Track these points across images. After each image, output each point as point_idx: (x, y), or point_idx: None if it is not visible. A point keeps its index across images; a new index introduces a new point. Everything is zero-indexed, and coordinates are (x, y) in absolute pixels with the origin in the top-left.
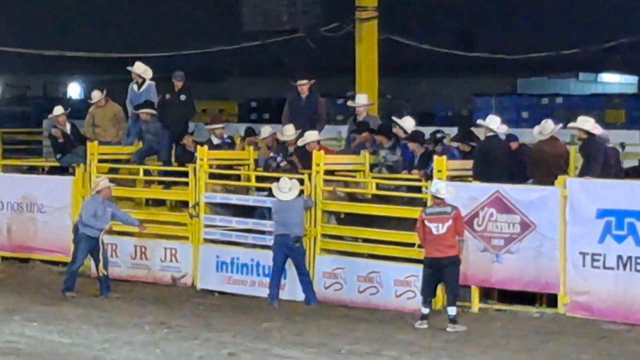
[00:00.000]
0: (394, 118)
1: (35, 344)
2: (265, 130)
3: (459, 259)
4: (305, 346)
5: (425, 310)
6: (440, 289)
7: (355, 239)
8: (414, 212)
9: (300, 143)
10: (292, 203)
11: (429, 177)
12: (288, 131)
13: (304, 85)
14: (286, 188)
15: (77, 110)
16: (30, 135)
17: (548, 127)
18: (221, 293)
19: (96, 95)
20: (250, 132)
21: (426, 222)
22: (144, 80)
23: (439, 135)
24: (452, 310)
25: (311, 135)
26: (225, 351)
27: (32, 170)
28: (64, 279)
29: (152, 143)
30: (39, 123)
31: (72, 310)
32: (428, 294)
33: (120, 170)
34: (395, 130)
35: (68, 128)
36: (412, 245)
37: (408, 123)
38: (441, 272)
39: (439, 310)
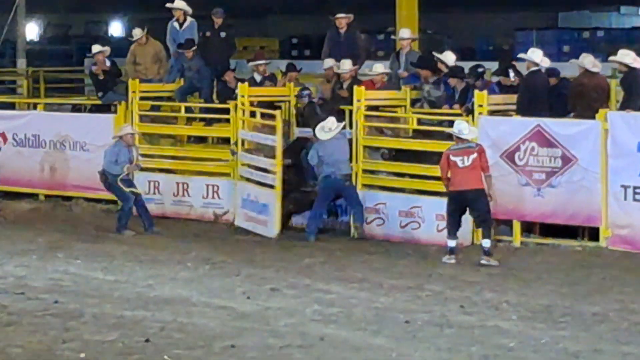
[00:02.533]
0: (434, 53)
1: (79, 281)
2: (328, 62)
3: (486, 192)
4: (347, 281)
5: (452, 244)
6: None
7: (398, 174)
8: None
9: (336, 70)
10: (337, 141)
11: (470, 112)
12: (327, 63)
13: (342, 19)
14: (327, 127)
15: (119, 48)
16: (73, 73)
17: (588, 61)
18: None
19: (137, 32)
20: (291, 68)
21: (451, 157)
22: (185, 18)
23: (479, 69)
24: (486, 243)
25: (346, 64)
26: (267, 287)
27: (74, 108)
28: (117, 217)
29: (193, 80)
30: (81, 62)
31: (116, 247)
32: (453, 226)
33: (161, 107)
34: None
35: (108, 66)
36: None
37: (449, 57)
38: (468, 205)
39: (480, 244)
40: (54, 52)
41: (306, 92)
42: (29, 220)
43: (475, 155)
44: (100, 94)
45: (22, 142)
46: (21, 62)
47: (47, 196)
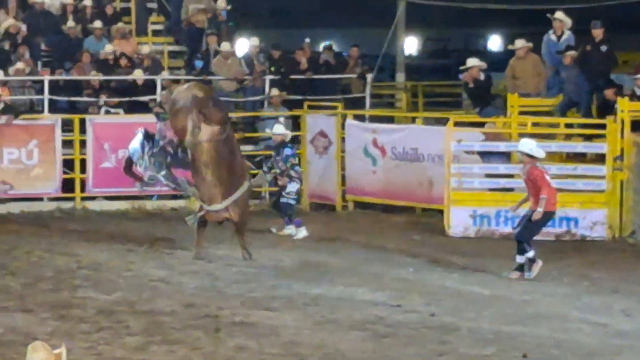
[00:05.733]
0: None
1: (455, 295)
2: None
3: None
4: None
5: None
6: None
7: None
8: None
9: None
10: None
11: None
12: None
13: None
14: None
15: (497, 62)
16: (451, 88)
17: None
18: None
19: (519, 43)
20: None
21: (547, 177)
22: (562, 31)
23: None
24: None
25: None
26: None
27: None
28: None
29: (571, 94)
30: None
31: (491, 262)
32: None
33: (540, 123)
34: None
35: (481, 78)
36: None
37: None
38: None
39: None
40: (432, 66)
41: None
42: (405, 232)
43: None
44: (477, 109)
45: (401, 155)
46: (400, 76)
47: (424, 210)
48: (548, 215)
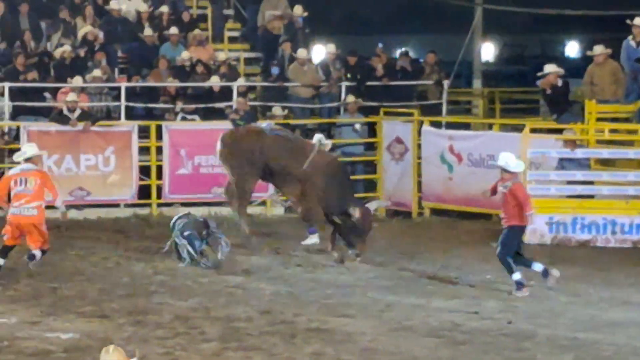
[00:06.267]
0: None
1: (531, 301)
2: None
3: None
4: None
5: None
6: None
7: None
8: None
9: None
10: None
11: None
12: None
13: None
14: None
15: (575, 68)
16: (527, 94)
17: None
18: None
19: (598, 49)
20: None
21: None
22: None
23: None
24: None
25: None
26: None
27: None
28: None
29: None
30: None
31: (570, 269)
32: None
33: (618, 129)
34: None
35: (558, 84)
36: None
37: None
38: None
39: None
40: (509, 73)
41: None
42: (481, 238)
43: None
44: (554, 115)
45: (477, 162)
46: (477, 83)
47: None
48: (522, 230)
